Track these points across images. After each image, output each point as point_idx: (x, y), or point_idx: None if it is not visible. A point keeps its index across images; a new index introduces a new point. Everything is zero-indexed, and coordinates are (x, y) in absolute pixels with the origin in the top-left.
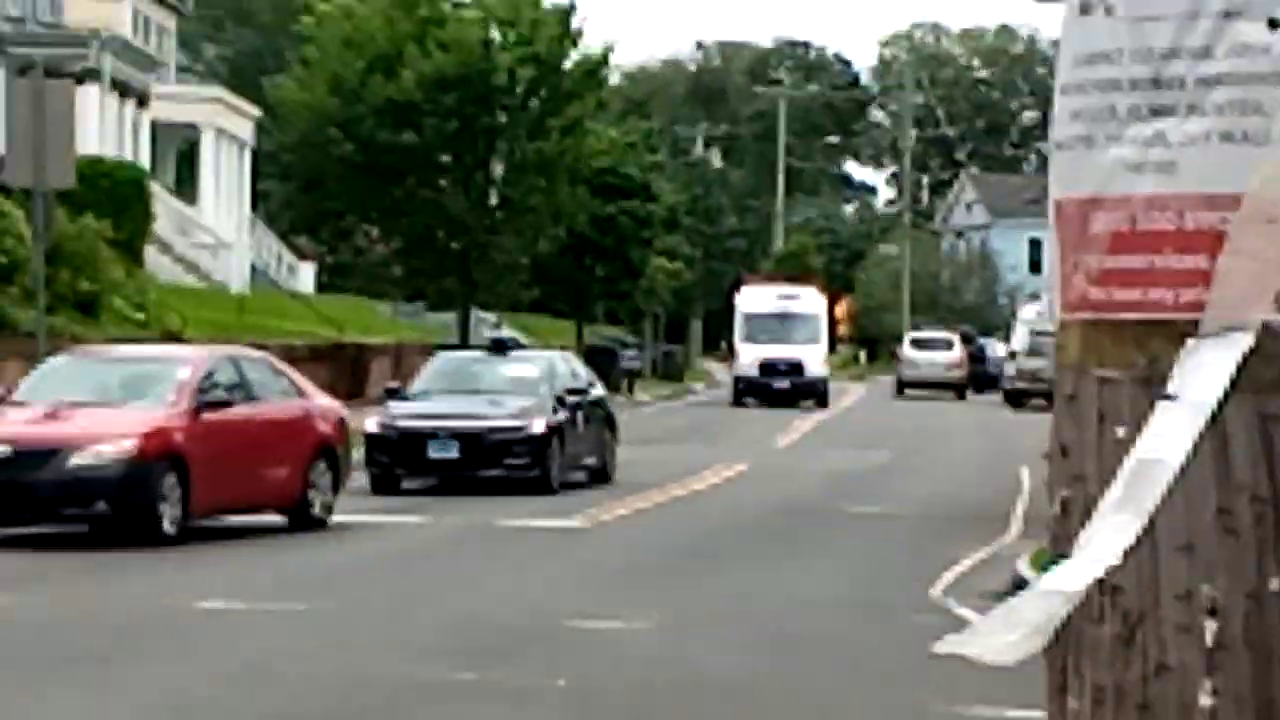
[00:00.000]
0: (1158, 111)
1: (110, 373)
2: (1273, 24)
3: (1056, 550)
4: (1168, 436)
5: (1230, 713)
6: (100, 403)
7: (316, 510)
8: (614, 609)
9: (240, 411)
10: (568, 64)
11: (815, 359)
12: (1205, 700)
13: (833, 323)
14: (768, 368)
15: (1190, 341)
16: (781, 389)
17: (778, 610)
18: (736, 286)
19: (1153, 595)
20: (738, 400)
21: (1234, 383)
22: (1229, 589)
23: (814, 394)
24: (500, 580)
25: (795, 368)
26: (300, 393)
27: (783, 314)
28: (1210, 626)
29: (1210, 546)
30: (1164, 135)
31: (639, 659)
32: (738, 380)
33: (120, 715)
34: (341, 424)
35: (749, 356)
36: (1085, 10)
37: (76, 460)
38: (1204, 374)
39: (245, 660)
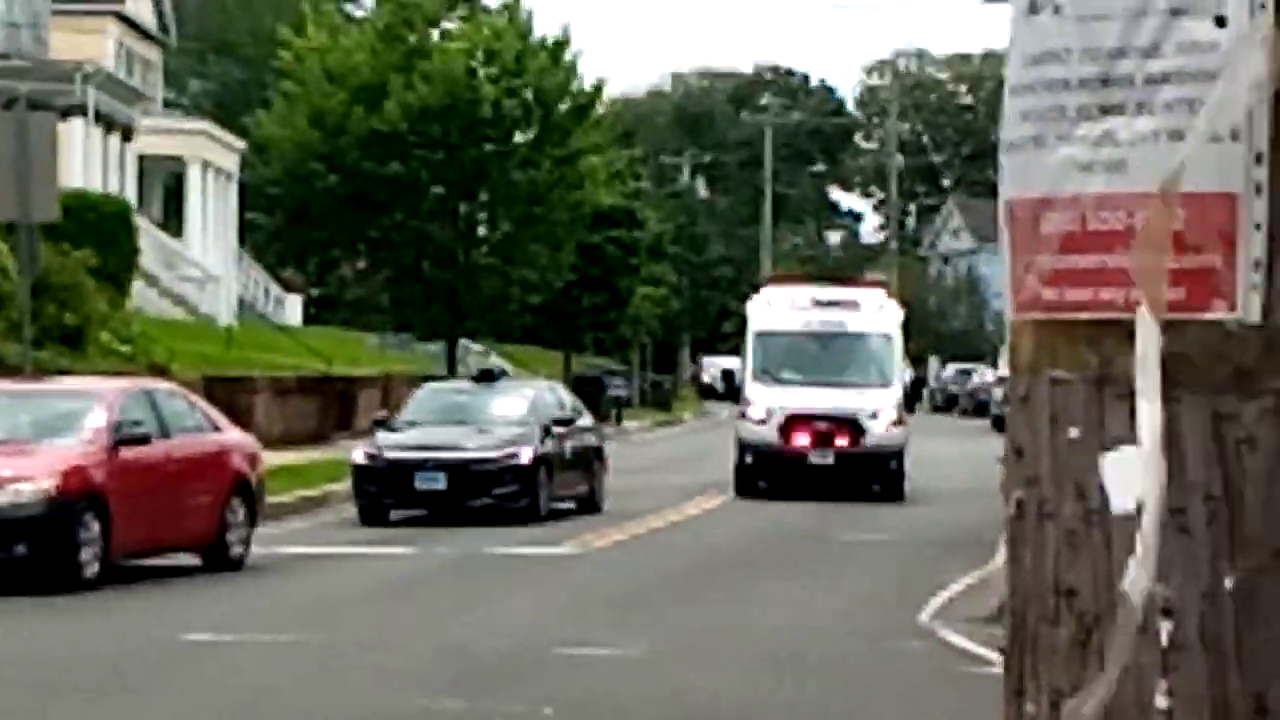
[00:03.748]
0: (1107, 110)
1: (22, 409)
2: (1219, 21)
3: (1012, 553)
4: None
5: (1187, 713)
6: (13, 440)
7: (235, 550)
8: (604, 636)
9: (157, 448)
10: (563, 97)
11: (883, 412)
12: (1162, 701)
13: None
14: (798, 427)
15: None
16: (821, 466)
17: (767, 636)
18: (749, 294)
19: (1108, 596)
20: (741, 487)
21: (1185, 381)
22: (1184, 589)
23: (880, 475)
24: (489, 608)
25: (847, 428)
26: (215, 426)
27: (826, 334)
28: (1165, 627)
29: (1165, 547)
30: (1113, 134)
31: (629, 686)
32: (744, 449)
33: None
34: (256, 459)
35: (763, 406)
36: (1033, 10)
37: None
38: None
39: (230, 694)
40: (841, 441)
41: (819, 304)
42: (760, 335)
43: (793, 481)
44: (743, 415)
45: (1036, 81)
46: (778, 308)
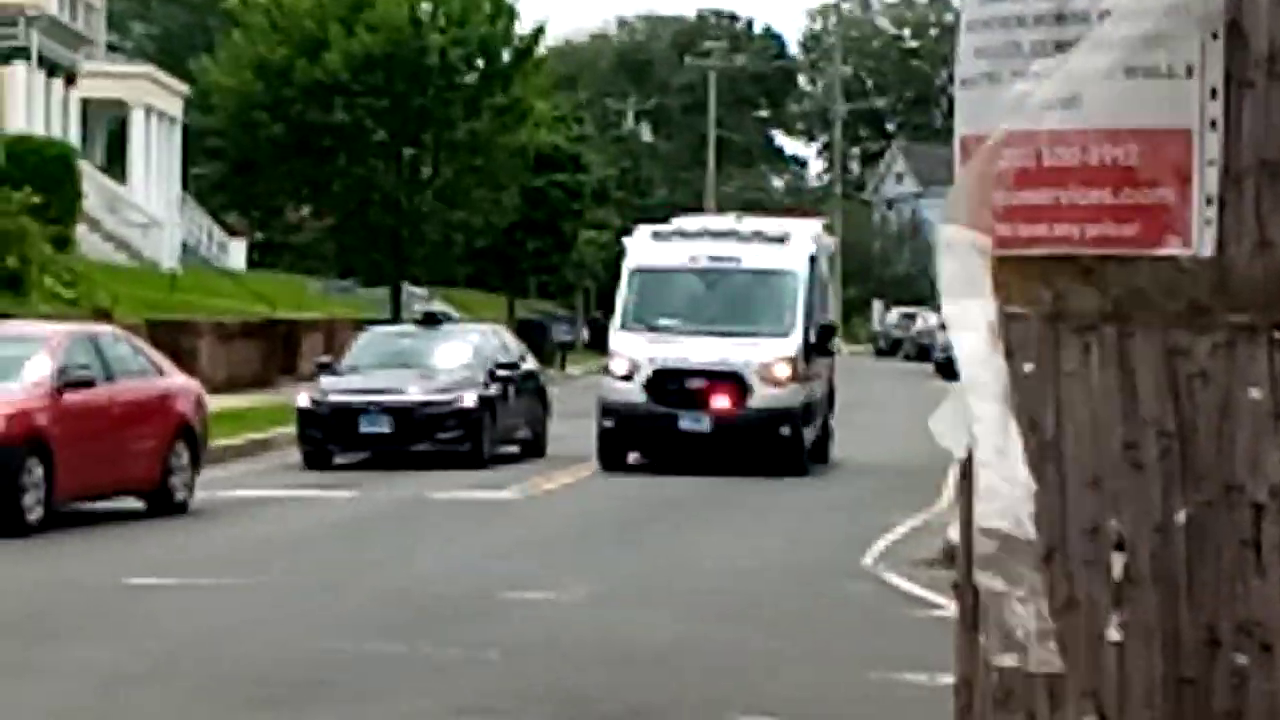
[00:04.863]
0: (1061, 46)
1: None
2: None
3: (964, 486)
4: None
5: (1138, 646)
6: None
7: (178, 494)
8: (547, 580)
9: (101, 392)
10: (506, 43)
11: (774, 366)
12: (1114, 634)
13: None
14: (667, 386)
15: None
16: (695, 433)
17: (711, 579)
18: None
19: (1060, 530)
20: (605, 458)
21: (1139, 316)
22: (1136, 523)
23: (769, 442)
24: (432, 553)
25: (728, 386)
26: (160, 371)
27: (716, 270)
28: (1118, 560)
29: (1117, 481)
30: (1068, 70)
31: (571, 629)
32: (605, 412)
33: (53, 689)
34: (200, 403)
35: (627, 359)
36: None
37: None
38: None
39: (172, 637)
40: (720, 403)
41: (712, 234)
42: (636, 273)
43: (664, 452)
44: (605, 370)
45: (991, 18)
46: (663, 240)
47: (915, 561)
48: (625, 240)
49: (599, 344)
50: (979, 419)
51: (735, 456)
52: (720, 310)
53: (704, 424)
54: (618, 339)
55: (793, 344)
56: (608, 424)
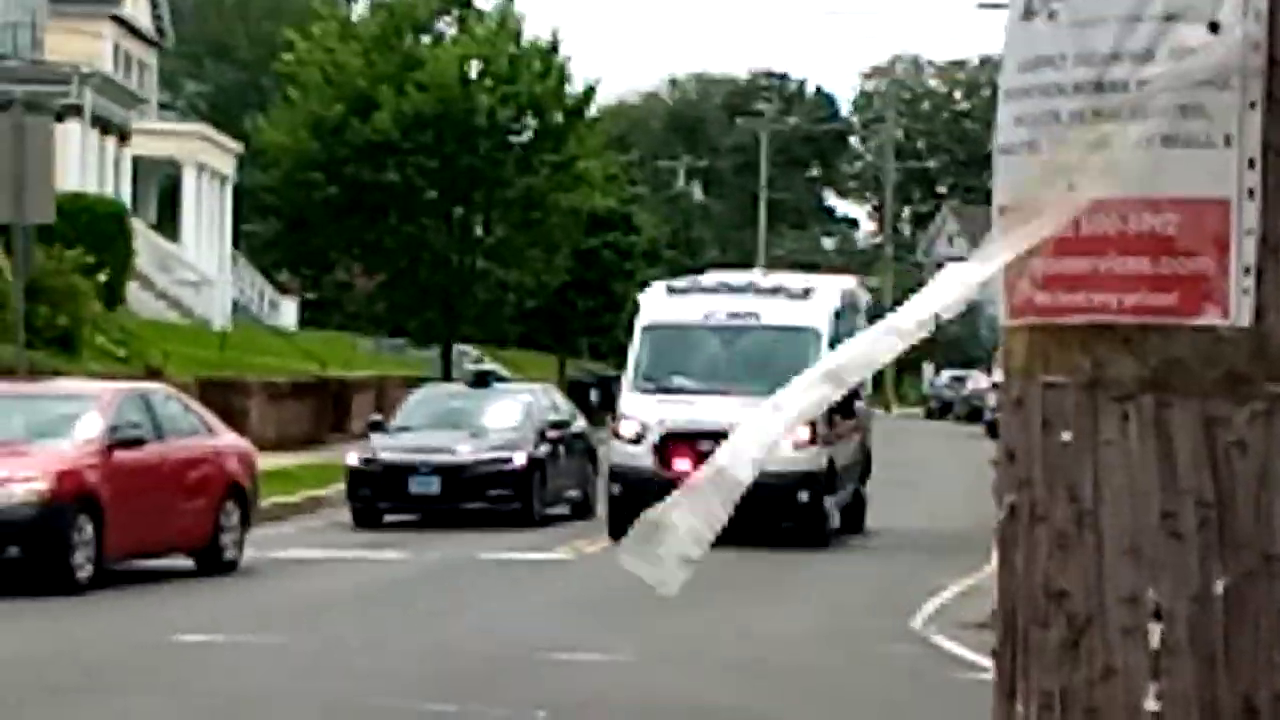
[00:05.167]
0: (1100, 115)
1: (16, 410)
2: (1213, 27)
3: (1003, 556)
4: (872, 342)
5: (1176, 716)
6: (8, 442)
7: (228, 553)
8: (596, 640)
9: (152, 451)
10: (557, 102)
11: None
12: (1151, 704)
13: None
14: (677, 449)
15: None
16: None
17: (760, 640)
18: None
19: (1098, 599)
20: (616, 527)
21: (1177, 385)
22: (1174, 592)
23: (785, 511)
24: (481, 612)
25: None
26: (209, 430)
27: (733, 327)
28: (1155, 630)
29: (1155, 550)
30: (1107, 139)
31: (618, 690)
32: (613, 477)
33: None
34: (250, 463)
35: (637, 421)
36: (1028, 14)
37: None
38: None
39: (222, 694)
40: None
41: (730, 289)
42: (648, 330)
43: None
44: (615, 434)
45: (1031, 86)
46: (678, 295)
47: (964, 624)
48: (639, 296)
49: (607, 405)
50: (823, 368)
51: (749, 525)
52: (736, 369)
53: None
54: (627, 400)
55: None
56: (615, 490)
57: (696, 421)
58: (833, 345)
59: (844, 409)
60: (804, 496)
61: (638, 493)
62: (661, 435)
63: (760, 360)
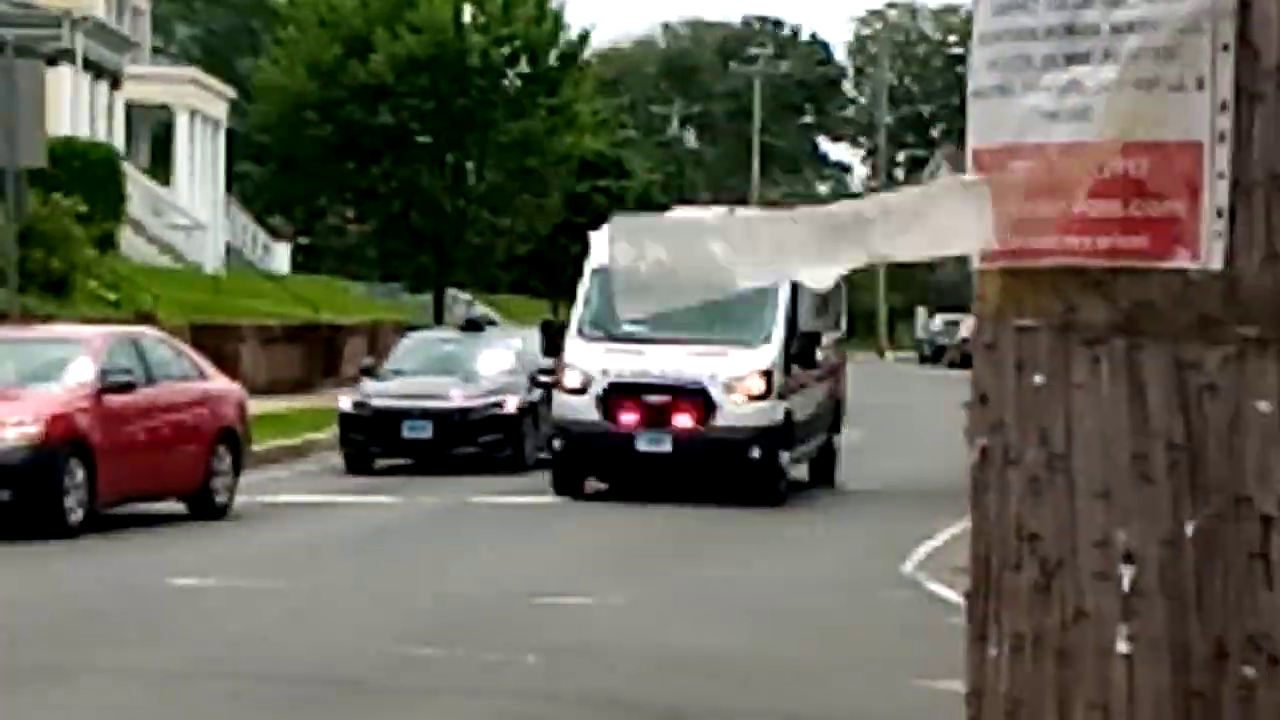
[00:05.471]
0: (1072, 59)
1: (8, 355)
2: None
3: (976, 500)
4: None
5: (1146, 658)
6: None
7: (219, 497)
8: (587, 586)
9: (143, 395)
10: (551, 46)
11: (743, 381)
12: (1122, 646)
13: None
14: (623, 402)
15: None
16: (655, 455)
17: (752, 586)
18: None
19: (1070, 542)
20: (561, 482)
21: (1148, 328)
22: (1145, 535)
23: (736, 467)
24: (473, 557)
25: (691, 402)
26: (201, 374)
27: None
28: (1127, 573)
29: (1126, 493)
30: (1079, 83)
31: (609, 635)
32: (556, 431)
33: (100, 689)
34: (242, 407)
35: (580, 371)
36: None
37: None
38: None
39: (216, 638)
40: (683, 421)
41: None
42: (598, 273)
43: (622, 475)
44: (559, 385)
45: (1003, 30)
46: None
47: (955, 569)
48: (591, 235)
49: (552, 352)
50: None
51: (699, 481)
52: (691, 317)
53: (664, 444)
54: (573, 348)
55: (768, 355)
56: (558, 445)
57: (645, 373)
58: (793, 292)
59: (804, 358)
60: (756, 452)
61: (581, 448)
62: (607, 386)
63: (716, 306)
